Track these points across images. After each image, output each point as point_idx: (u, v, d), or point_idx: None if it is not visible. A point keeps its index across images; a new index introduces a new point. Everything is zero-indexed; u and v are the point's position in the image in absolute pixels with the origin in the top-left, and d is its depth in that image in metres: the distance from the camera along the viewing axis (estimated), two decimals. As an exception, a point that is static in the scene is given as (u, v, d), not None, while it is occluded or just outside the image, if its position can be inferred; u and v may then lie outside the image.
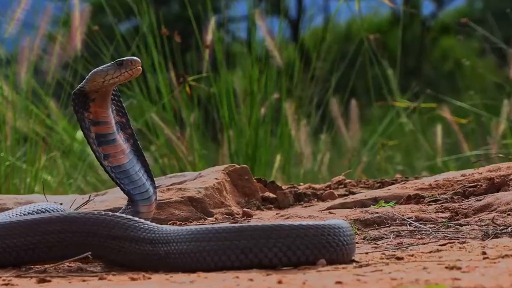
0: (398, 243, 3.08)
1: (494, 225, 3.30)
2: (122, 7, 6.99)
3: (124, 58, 3.12)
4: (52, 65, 6.04)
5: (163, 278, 2.43)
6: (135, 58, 3.12)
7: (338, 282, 2.15)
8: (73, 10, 6.15)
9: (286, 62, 6.58)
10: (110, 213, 2.71)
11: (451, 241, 3.03)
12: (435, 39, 13.24)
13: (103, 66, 3.13)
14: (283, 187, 4.35)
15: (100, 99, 3.16)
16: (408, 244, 3.05)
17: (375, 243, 3.13)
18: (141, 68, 3.12)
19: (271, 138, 6.53)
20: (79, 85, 3.16)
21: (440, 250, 2.82)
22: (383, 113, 7.51)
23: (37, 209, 3.26)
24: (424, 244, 3.02)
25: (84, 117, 3.16)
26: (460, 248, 2.85)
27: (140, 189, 3.16)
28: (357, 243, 3.03)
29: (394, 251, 2.87)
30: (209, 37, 6.42)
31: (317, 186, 4.57)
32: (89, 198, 4.01)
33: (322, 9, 12.54)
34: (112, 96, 3.20)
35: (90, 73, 3.14)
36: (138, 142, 3.23)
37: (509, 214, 3.43)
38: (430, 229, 3.32)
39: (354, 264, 2.56)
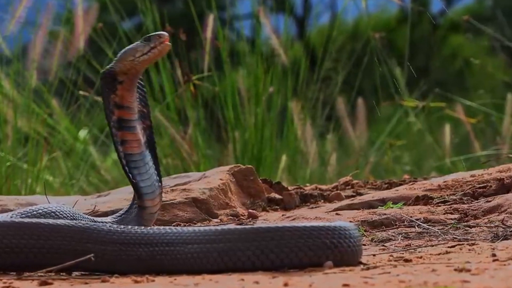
0: (406, 245, 3.09)
1: (504, 226, 3.30)
2: (125, 4, 6.96)
3: (151, 34, 3.09)
4: (55, 63, 6.01)
5: (167, 280, 2.41)
6: (162, 32, 3.08)
7: (345, 285, 2.14)
8: (76, 9, 6.12)
9: (291, 61, 6.55)
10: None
11: (460, 243, 3.04)
12: (444, 37, 13.22)
13: (131, 44, 3.10)
14: (289, 188, 4.34)
15: (129, 82, 3.11)
16: (417, 246, 3.02)
17: (383, 245, 3.14)
18: (169, 44, 3.08)
19: (277, 138, 6.50)
20: (108, 66, 3.12)
21: (449, 252, 2.82)
22: (391, 112, 7.48)
23: (44, 211, 3.19)
24: (433, 246, 3.02)
25: (110, 98, 3.11)
26: (469, 250, 2.86)
27: (147, 182, 3.13)
28: (364, 245, 3.01)
29: (402, 253, 2.87)
30: (208, 34, 6.38)
31: (323, 187, 4.57)
32: (94, 206, 3.96)
33: (328, 7, 12.50)
34: (137, 84, 3.15)
35: (120, 53, 3.10)
36: (154, 135, 3.17)
37: (519, 215, 3.41)
38: (438, 230, 3.32)
39: (362, 266, 2.55)
